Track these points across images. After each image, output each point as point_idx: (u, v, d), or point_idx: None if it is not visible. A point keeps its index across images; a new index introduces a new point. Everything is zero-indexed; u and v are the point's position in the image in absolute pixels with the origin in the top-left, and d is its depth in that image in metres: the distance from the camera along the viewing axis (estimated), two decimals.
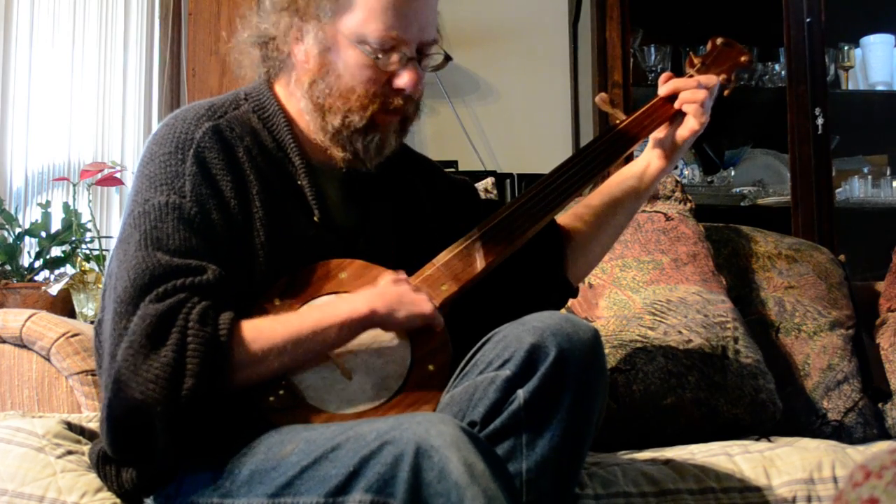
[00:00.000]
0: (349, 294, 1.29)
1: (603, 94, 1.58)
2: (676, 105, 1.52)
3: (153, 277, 1.20)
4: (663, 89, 1.54)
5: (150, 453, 1.21)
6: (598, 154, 1.49)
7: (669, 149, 1.54)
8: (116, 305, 1.20)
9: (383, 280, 1.30)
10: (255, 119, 1.37)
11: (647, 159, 1.55)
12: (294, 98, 1.38)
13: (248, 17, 1.41)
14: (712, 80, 1.54)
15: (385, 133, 1.35)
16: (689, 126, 1.50)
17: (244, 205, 1.30)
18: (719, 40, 1.64)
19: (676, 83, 1.53)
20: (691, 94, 1.51)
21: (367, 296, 1.27)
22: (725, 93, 1.61)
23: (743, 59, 1.62)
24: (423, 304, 1.27)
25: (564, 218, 1.58)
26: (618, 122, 1.53)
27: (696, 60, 1.61)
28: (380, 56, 1.31)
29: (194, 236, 1.25)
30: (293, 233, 1.33)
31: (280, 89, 1.40)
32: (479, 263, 1.37)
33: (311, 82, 1.34)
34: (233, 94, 1.40)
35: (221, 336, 1.18)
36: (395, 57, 1.32)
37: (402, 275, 1.31)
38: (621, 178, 1.56)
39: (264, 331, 1.22)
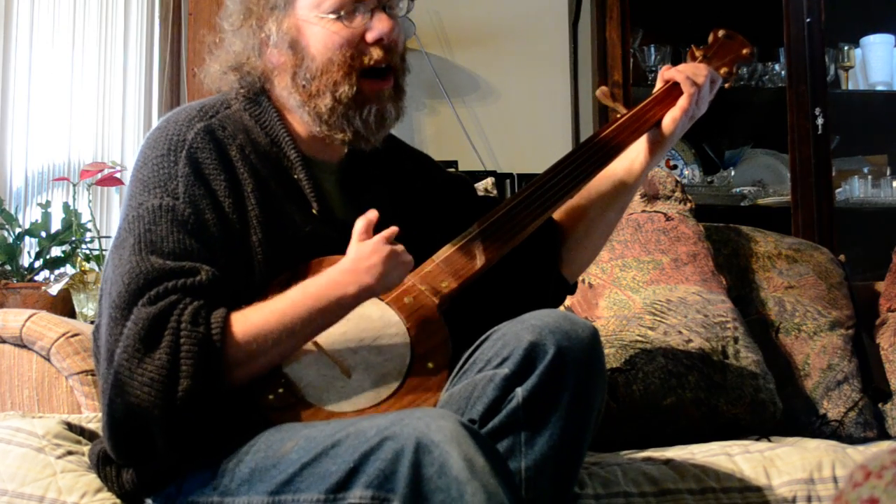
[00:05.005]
0: (334, 270, 1.27)
1: (604, 88, 1.57)
2: (675, 77, 1.49)
3: (147, 281, 1.20)
4: (665, 75, 1.52)
5: (152, 455, 1.21)
6: (597, 150, 1.48)
7: (656, 139, 1.51)
8: (112, 310, 1.21)
9: (356, 248, 1.27)
10: (246, 117, 1.37)
11: (635, 152, 1.52)
12: (282, 101, 1.38)
13: (213, 50, 1.40)
14: (710, 69, 1.53)
15: (381, 103, 1.34)
16: (680, 104, 1.48)
17: (239, 204, 1.30)
18: (721, 32, 1.63)
19: (678, 66, 1.52)
20: (688, 67, 1.50)
21: (353, 272, 1.25)
22: (727, 85, 1.60)
23: (745, 51, 1.61)
24: (403, 258, 1.27)
25: (556, 215, 1.57)
26: (618, 115, 1.52)
27: (697, 53, 1.60)
28: (343, 14, 1.31)
29: (188, 238, 1.24)
30: (290, 229, 1.33)
31: (270, 96, 1.40)
32: (479, 260, 1.37)
33: (293, 76, 1.34)
34: (224, 95, 1.40)
35: (214, 335, 1.18)
36: (359, 14, 1.32)
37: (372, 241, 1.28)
38: (609, 172, 1.53)
39: (256, 324, 1.22)
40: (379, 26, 1.32)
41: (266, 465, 1.17)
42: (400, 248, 1.28)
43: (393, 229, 1.29)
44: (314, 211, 1.35)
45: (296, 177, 1.36)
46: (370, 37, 1.32)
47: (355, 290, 1.25)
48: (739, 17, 2.77)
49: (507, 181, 3.07)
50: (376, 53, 1.33)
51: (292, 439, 1.17)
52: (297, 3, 1.33)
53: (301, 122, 1.37)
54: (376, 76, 1.34)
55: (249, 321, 1.22)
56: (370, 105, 1.33)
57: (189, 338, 1.17)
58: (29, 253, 2.39)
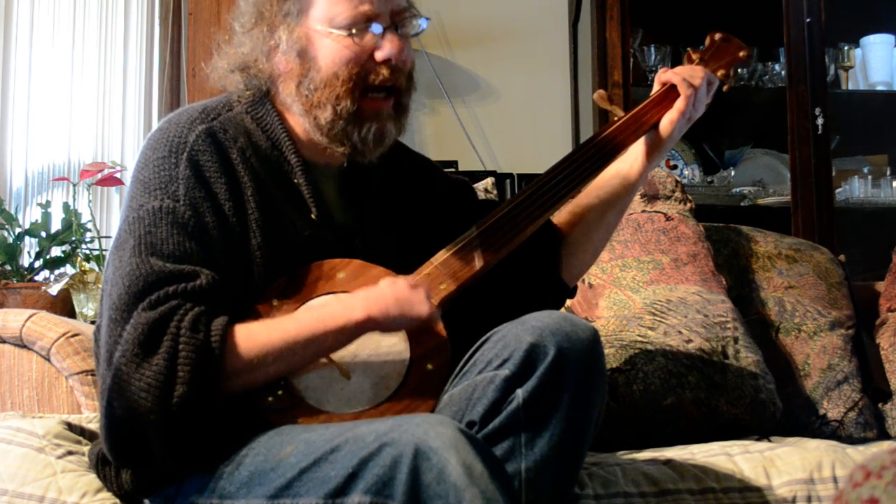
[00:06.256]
0: (347, 295, 1.28)
1: (601, 91, 1.57)
2: (672, 79, 1.50)
3: (147, 284, 1.20)
4: (662, 78, 1.52)
5: (149, 459, 1.21)
6: (595, 152, 1.48)
7: (654, 141, 1.51)
8: (112, 313, 1.21)
9: (381, 282, 1.28)
10: (248, 120, 1.37)
11: (633, 155, 1.52)
12: (286, 106, 1.38)
13: (222, 46, 1.40)
14: (706, 71, 1.54)
15: (381, 122, 1.34)
16: (677, 107, 1.48)
17: (239, 207, 1.30)
18: (717, 35, 1.63)
19: (674, 69, 1.52)
20: (685, 70, 1.51)
21: (364, 300, 1.25)
22: (725, 88, 1.60)
23: (741, 53, 1.61)
24: (419, 305, 1.26)
25: (555, 218, 1.57)
26: (616, 118, 1.52)
27: (694, 56, 1.60)
28: (354, 31, 1.31)
29: (188, 240, 1.24)
30: (290, 233, 1.33)
31: (273, 100, 1.40)
32: (478, 262, 1.36)
33: (297, 84, 1.34)
34: (226, 97, 1.40)
35: (214, 343, 1.18)
36: (370, 32, 1.32)
37: (400, 278, 1.29)
38: (609, 175, 1.53)
39: (259, 337, 1.21)
40: (389, 46, 1.32)
41: (265, 469, 1.17)
42: (420, 295, 1.26)
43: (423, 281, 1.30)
44: (313, 216, 1.35)
45: (296, 181, 1.36)
46: (379, 56, 1.32)
47: (361, 316, 1.23)
48: (739, 17, 2.78)
49: (507, 181, 3.07)
50: (384, 72, 1.33)
51: (291, 443, 1.17)
52: (309, 14, 1.33)
53: (302, 127, 1.37)
54: (378, 93, 1.34)
55: (252, 333, 1.22)
56: (369, 123, 1.33)
57: (188, 344, 1.16)
58: (29, 253, 2.39)
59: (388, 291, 1.26)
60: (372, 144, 1.34)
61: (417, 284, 1.28)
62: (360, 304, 1.25)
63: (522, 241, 1.42)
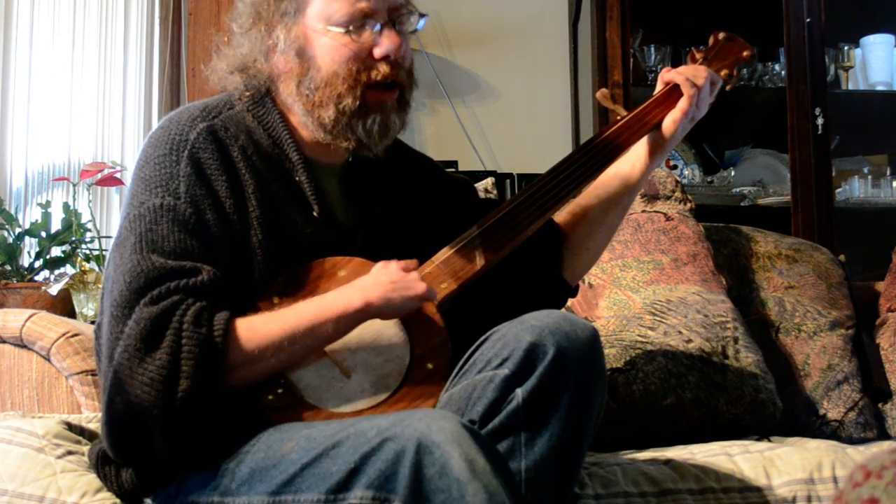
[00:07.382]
0: (344, 286, 1.28)
1: (604, 90, 1.56)
2: (675, 79, 1.50)
3: (148, 280, 1.20)
4: (665, 77, 1.52)
5: (150, 455, 1.21)
6: (598, 151, 1.48)
7: (657, 141, 1.51)
8: (113, 309, 1.21)
9: (374, 269, 1.29)
10: (249, 118, 1.37)
11: (635, 154, 1.53)
12: (286, 105, 1.38)
13: (221, 48, 1.40)
14: (710, 71, 1.54)
15: (385, 113, 1.34)
16: (681, 106, 1.48)
17: (240, 205, 1.30)
18: (721, 35, 1.63)
19: (678, 69, 1.52)
20: (688, 69, 1.51)
21: (361, 289, 1.26)
22: (728, 87, 1.60)
23: (745, 53, 1.61)
24: (414, 284, 1.27)
25: (557, 217, 1.57)
26: (618, 118, 1.52)
27: (697, 55, 1.60)
28: (352, 29, 1.31)
29: (189, 238, 1.24)
30: (291, 230, 1.33)
31: (275, 98, 1.40)
32: (479, 261, 1.37)
33: (298, 84, 1.34)
34: (227, 95, 1.40)
35: (216, 337, 1.18)
36: (368, 29, 1.32)
37: (392, 262, 1.30)
38: (611, 174, 1.53)
39: (259, 329, 1.22)
40: (387, 43, 1.32)
41: (266, 466, 1.17)
42: (413, 276, 1.28)
43: (413, 262, 1.31)
44: (315, 213, 1.35)
45: (297, 179, 1.36)
46: (378, 53, 1.33)
47: (359, 303, 1.25)
48: (739, 17, 2.77)
49: (507, 181, 3.07)
50: (383, 69, 1.33)
51: (292, 439, 1.17)
52: (306, 12, 1.33)
53: (305, 126, 1.37)
54: (381, 88, 1.34)
55: (253, 326, 1.22)
56: (374, 115, 1.33)
57: (190, 339, 1.17)
58: (29, 253, 2.39)
59: (383, 277, 1.27)
60: (377, 136, 1.34)
61: (409, 266, 1.29)
62: (358, 292, 1.26)
63: (524, 241, 1.43)
